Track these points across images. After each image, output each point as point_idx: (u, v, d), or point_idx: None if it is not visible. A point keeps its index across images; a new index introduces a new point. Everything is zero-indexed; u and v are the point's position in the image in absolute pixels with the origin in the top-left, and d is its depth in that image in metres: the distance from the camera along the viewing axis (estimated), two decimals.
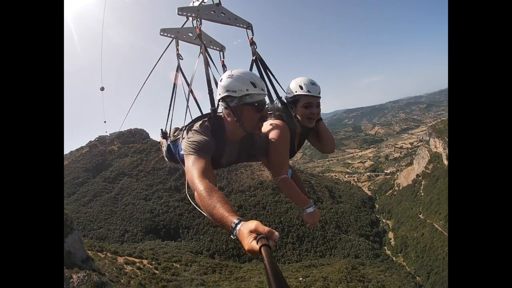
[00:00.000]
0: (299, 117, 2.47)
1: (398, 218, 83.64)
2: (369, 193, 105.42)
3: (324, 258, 64.09)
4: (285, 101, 2.56)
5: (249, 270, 46.87)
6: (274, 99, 2.67)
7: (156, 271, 37.30)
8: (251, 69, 2.70)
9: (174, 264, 43.80)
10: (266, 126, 2.38)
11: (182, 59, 3.26)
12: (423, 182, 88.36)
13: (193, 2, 2.75)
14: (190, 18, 2.68)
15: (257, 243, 1.09)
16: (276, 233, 1.15)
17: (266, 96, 2.07)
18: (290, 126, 2.44)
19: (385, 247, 76.03)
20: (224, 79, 1.96)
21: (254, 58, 2.75)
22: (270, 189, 78.32)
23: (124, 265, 36.59)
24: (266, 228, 1.15)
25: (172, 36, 3.24)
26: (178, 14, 2.58)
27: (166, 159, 2.92)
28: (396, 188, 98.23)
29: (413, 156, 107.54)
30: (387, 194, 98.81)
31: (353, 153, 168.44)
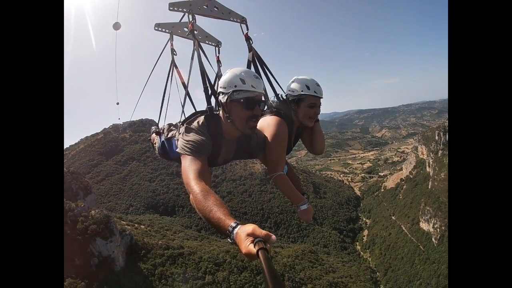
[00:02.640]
0: (299, 116, 2.57)
1: (374, 217, 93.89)
2: (358, 193, 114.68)
3: (295, 244, 74.75)
4: (287, 98, 2.60)
5: (225, 245, 57.94)
6: (270, 96, 2.65)
7: (148, 232, 51.81)
8: (248, 65, 2.70)
9: (165, 231, 57.07)
10: (262, 123, 2.43)
11: (176, 54, 3.30)
12: (404, 186, 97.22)
13: None
14: (182, 13, 2.70)
15: (254, 247, 1.11)
16: (273, 236, 1.17)
17: (258, 94, 2.00)
18: (288, 123, 2.47)
19: (357, 243, 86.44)
20: (221, 77, 2.02)
21: (250, 54, 2.71)
22: (258, 180, 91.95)
23: (125, 226, 51.20)
24: (263, 232, 1.17)
25: (167, 31, 3.25)
26: (169, 9, 2.57)
27: (158, 156, 2.97)
28: (382, 190, 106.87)
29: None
30: (373, 195, 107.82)
31: (355, 154, 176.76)
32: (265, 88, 2.47)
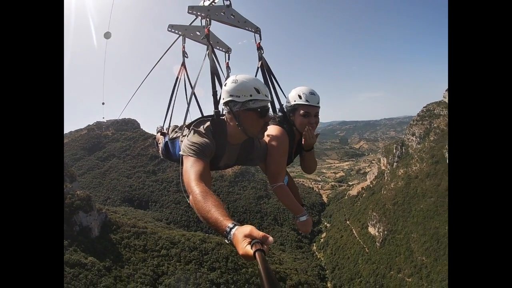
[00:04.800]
0: (296, 125, 2.61)
1: (333, 222, 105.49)
2: (325, 199, 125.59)
3: None
4: (285, 109, 2.67)
5: (182, 232, 67.79)
6: (276, 106, 2.74)
7: (122, 218, 63.77)
8: (256, 73, 2.79)
9: (137, 221, 68.10)
10: (265, 133, 2.43)
11: (187, 57, 3.39)
12: (364, 195, 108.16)
13: (204, 1, 2.84)
14: (199, 17, 2.78)
15: (251, 248, 1.13)
16: (271, 238, 1.19)
17: (268, 102, 2.10)
18: (289, 134, 2.56)
19: (314, 244, 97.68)
20: (228, 84, 2.04)
21: (260, 62, 2.81)
22: (227, 182, 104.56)
23: (103, 211, 63.13)
24: (261, 233, 1.18)
25: (180, 33, 3.36)
26: (188, 12, 2.66)
27: (161, 155, 3.04)
28: (346, 198, 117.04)
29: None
30: (337, 202, 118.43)
31: (331, 163, 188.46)
32: (272, 98, 2.64)
